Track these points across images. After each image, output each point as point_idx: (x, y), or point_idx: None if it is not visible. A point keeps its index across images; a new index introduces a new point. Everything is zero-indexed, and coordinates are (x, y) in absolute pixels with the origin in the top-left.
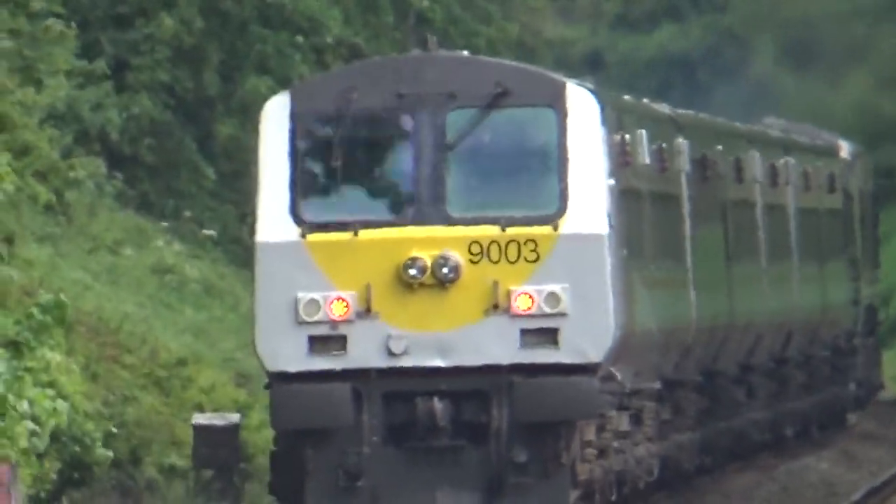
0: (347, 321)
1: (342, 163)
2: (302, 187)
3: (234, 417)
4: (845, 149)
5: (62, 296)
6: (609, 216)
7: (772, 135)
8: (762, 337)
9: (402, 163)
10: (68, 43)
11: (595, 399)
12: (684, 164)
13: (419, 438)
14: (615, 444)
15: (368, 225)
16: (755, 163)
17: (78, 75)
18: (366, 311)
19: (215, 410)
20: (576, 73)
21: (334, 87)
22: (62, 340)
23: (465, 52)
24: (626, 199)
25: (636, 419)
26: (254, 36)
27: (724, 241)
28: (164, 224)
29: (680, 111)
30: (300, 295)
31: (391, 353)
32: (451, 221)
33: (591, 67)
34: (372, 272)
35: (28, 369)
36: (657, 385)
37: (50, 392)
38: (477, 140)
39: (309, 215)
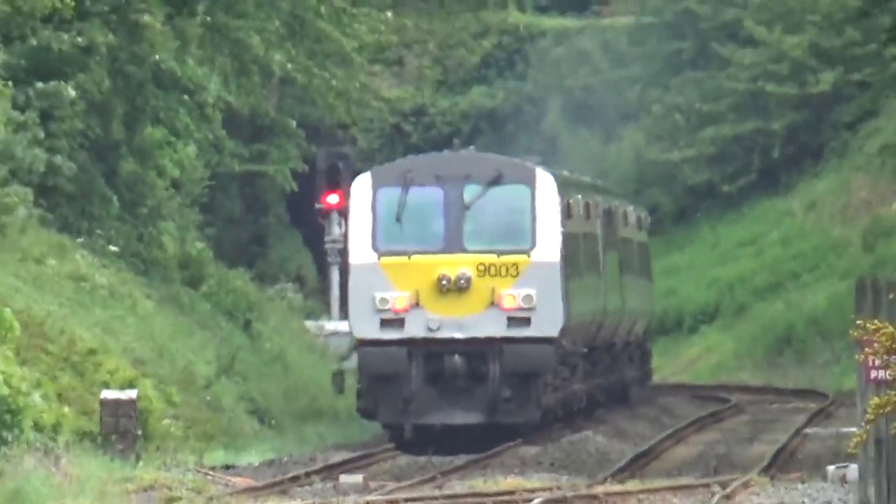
0: (405, 310)
1: (402, 215)
2: (378, 230)
3: (132, 393)
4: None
5: None
6: (560, 250)
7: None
8: (635, 323)
9: (437, 216)
10: (4, 98)
11: (551, 360)
12: (601, 214)
13: (446, 381)
14: (561, 384)
15: (418, 253)
16: (630, 213)
17: (13, 123)
18: (416, 305)
19: (118, 388)
20: (405, 121)
21: (398, 170)
22: (4, 334)
23: (472, 148)
24: (569, 238)
25: (572, 369)
26: (150, 94)
27: (619, 263)
28: (80, 240)
29: (597, 181)
30: (376, 294)
31: (430, 329)
32: (466, 251)
33: (416, 117)
34: (419, 281)
35: None
36: (585, 349)
37: None
38: (483, 203)
39: (382, 247)
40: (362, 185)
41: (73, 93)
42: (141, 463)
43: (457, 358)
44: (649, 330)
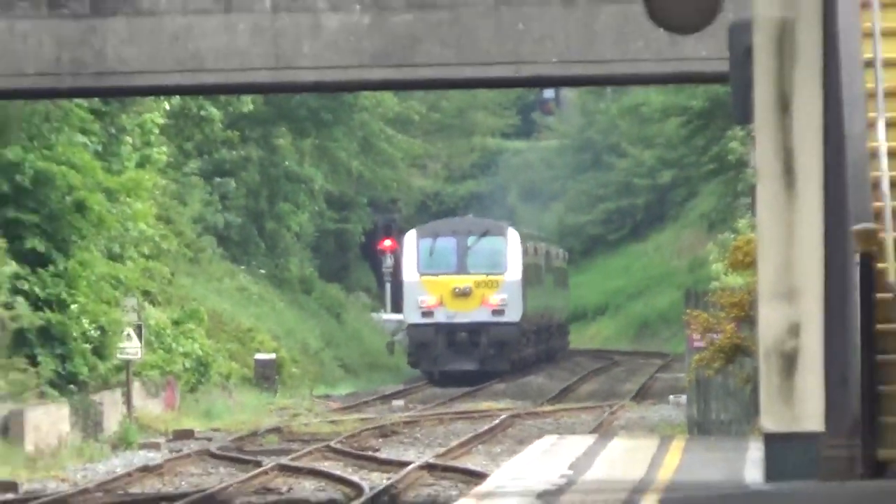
0: (434, 307)
1: (433, 253)
2: (419, 260)
3: (273, 355)
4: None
5: (195, 302)
6: (521, 273)
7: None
8: (561, 314)
9: (453, 253)
10: (199, 187)
11: (516, 334)
12: (543, 253)
13: (457, 346)
14: (521, 348)
15: (442, 274)
16: (559, 252)
17: (203, 201)
18: (440, 304)
19: (265, 352)
20: (429, 199)
21: (430, 227)
22: (199, 321)
23: (470, 215)
24: (526, 267)
25: (527, 340)
26: (282, 184)
27: (552, 280)
28: (242, 268)
29: (540, 233)
30: (418, 298)
31: (448, 318)
32: (469, 273)
33: (435, 197)
34: (443, 290)
35: (182, 332)
36: (534, 329)
37: (191, 341)
38: (477, 246)
39: (422, 271)
40: (410, 236)
41: (234, 185)
42: (277, 395)
43: (463, 333)
44: (567, 318)
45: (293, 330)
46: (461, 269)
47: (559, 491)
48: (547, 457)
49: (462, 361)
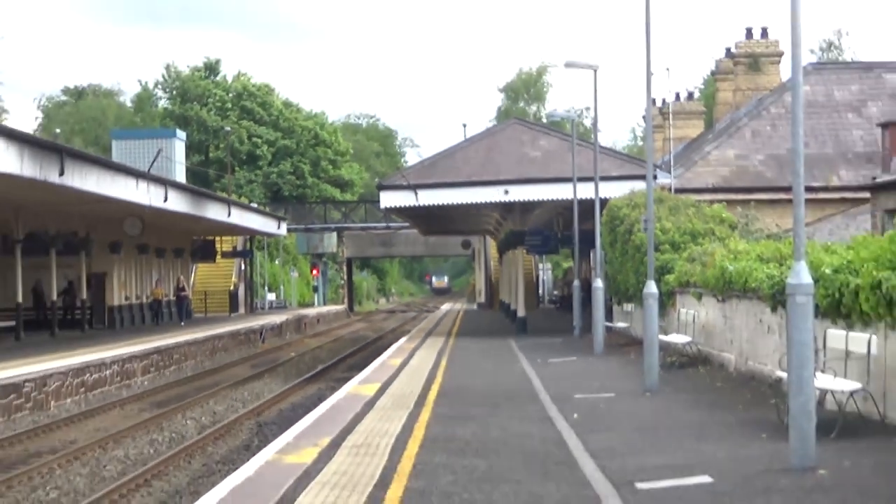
0: (437, 286)
1: (434, 278)
2: (433, 279)
3: (412, 294)
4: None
5: (404, 287)
6: (447, 280)
7: None
8: (453, 286)
9: (439, 277)
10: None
11: (446, 289)
12: (449, 277)
13: (440, 292)
14: (447, 292)
15: (437, 282)
16: (450, 278)
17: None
18: (439, 286)
19: (409, 294)
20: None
21: (435, 272)
22: (406, 292)
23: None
24: (448, 279)
25: (448, 291)
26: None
27: (452, 282)
28: (409, 283)
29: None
30: (434, 284)
31: (438, 287)
32: (443, 282)
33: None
34: (437, 284)
35: (401, 293)
36: (449, 288)
37: (406, 293)
38: (443, 277)
39: (434, 280)
40: (431, 276)
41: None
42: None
43: (440, 289)
44: (453, 287)
45: (413, 290)
46: (439, 280)
47: (451, 310)
48: (450, 305)
49: (441, 293)
